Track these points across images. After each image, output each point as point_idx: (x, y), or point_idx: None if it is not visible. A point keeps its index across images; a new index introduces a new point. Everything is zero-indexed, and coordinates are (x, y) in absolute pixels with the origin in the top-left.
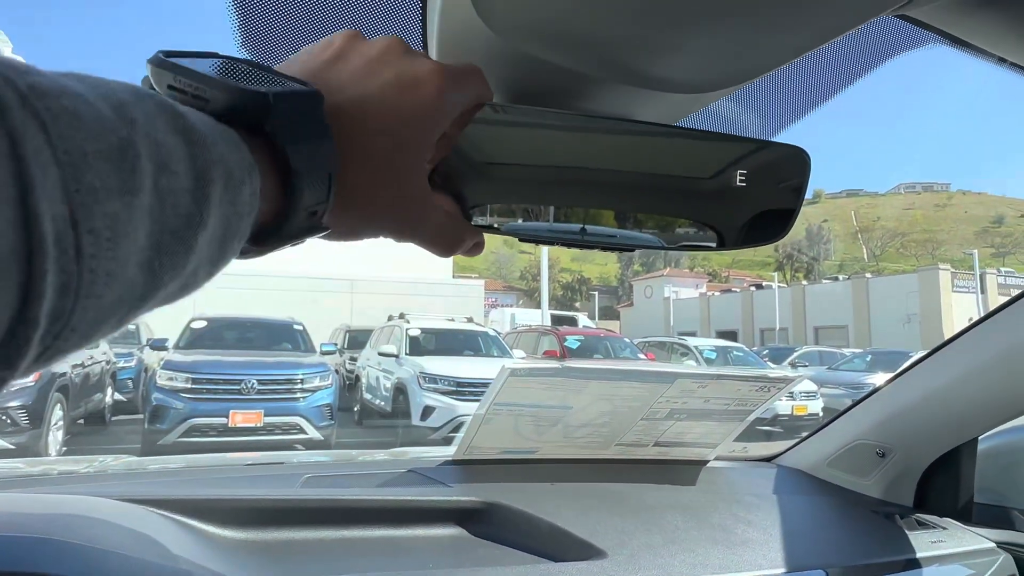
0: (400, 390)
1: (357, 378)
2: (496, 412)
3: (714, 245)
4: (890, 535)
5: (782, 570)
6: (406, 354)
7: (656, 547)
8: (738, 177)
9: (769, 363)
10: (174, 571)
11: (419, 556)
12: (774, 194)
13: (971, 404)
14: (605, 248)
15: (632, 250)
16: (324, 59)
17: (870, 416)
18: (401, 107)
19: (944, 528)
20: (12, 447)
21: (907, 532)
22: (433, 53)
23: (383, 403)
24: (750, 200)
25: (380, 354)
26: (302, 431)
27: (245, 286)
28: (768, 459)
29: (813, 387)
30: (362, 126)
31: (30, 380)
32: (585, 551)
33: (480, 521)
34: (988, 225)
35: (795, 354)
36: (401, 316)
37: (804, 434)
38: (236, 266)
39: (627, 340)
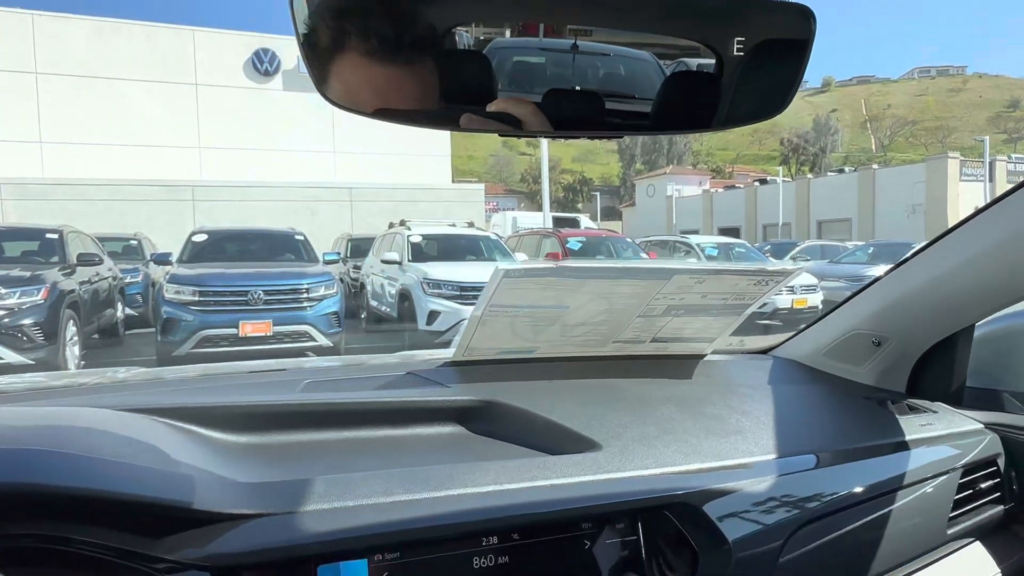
0: (405, 296)
1: (362, 286)
2: (493, 313)
3: (711, 122)
4: (881, 420)
5: (773, 456)
6: (409, 261)
7: (650, 438)
8: (735, 45)
9: (771, 258)
10: (175, 476)
11: (419, 453)
12: (776, 59)
13: (968, 292)
14: (606, 134)
15: (636, 133)
16: None
17: (868, 306)
18: None
19: (935, 412)
20: (32, 363)
21: (898, 416)
22: None
23: (388, 309)
24: (750, 67)
25: (383, 261)
26: (311, 339)
27: (240, 197)
28: (765, 351)
29: (813, 280)
30: None
31: (39, 298)
32: (580, 444)
33: (478, 419)
34: (1002, 110)
35: (797, 248)
36: (402, 223)
37: (801, 326)
38: (229, 176)
39: (629, 240)
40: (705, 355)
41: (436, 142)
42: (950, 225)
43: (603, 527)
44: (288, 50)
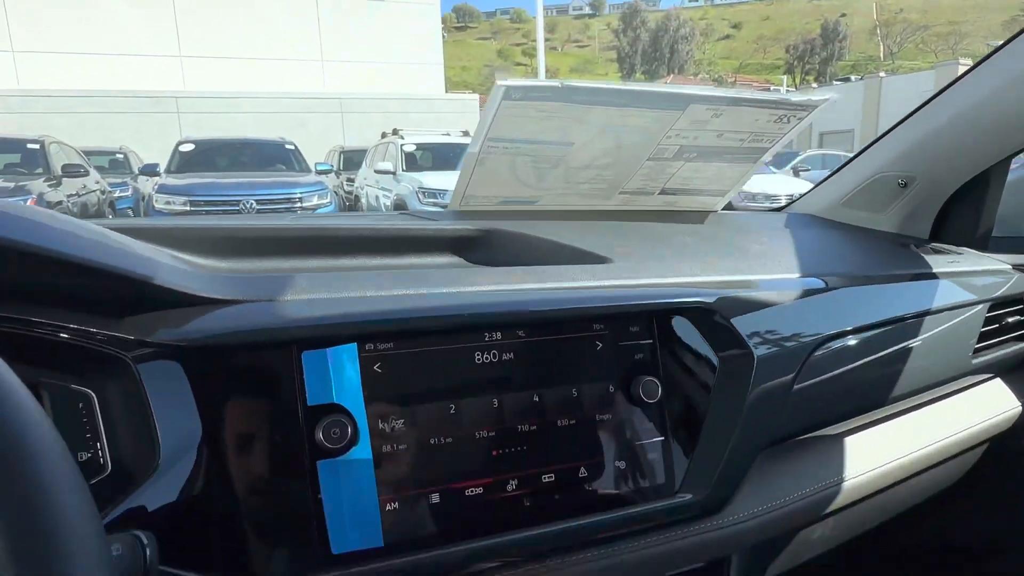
0: (400, 207)
1: (356, 199)
2: (491, 149)
3: None
4: (904, 256)
5: (797, 275)
6: (403, 170)
7: (664, 257)
8: None
9: (771, 168)
10: (144, 257)
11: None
12: None
13: (1004, 121)
14: None
15: None
16: None
17: (894, 147)
18: None
19: (959, 253)
20: None
21: (923, 255)
22: None
23: None
24: None
25: (377, 171)
26: None
27: (226, 109)
28: (776, 210)
29: (811, 186)
30: None
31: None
32: (588, 259)
33: (477, 248)
34: (1018, 13)
35: (797, 158)
36: (395, 132)
37: (818, 182)
38: (213, 87)
39: None
40: (716, 211)
41: (428, 50)
42: None
43: (616, 329)
44: None
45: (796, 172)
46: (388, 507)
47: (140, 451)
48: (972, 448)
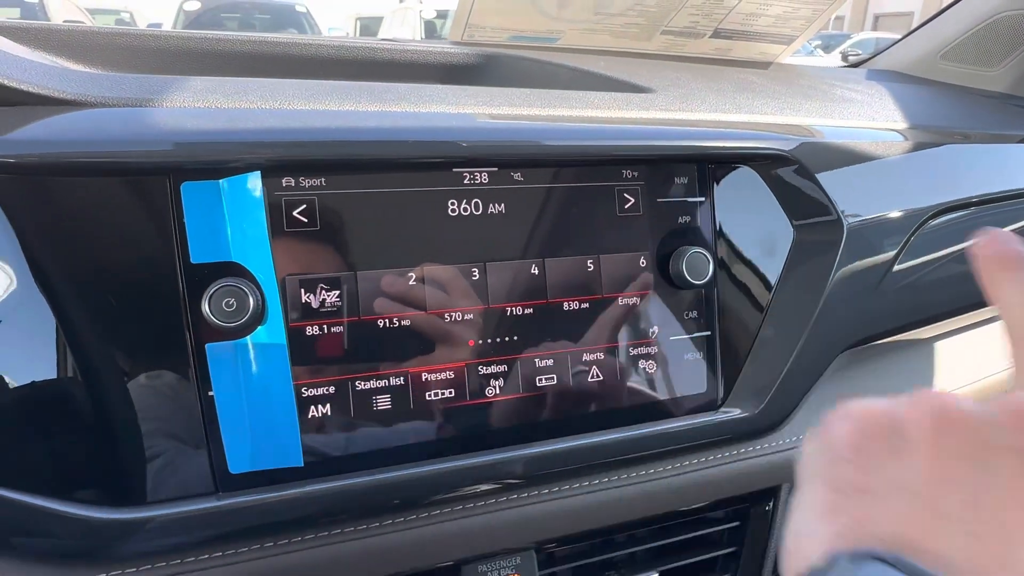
0: None
1: None
2: None
3: None
4: (1014, 118)
5: (903, 125)
6: (423, 40)
7: (724, 91)
8: None
9: (820, 51)
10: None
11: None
12: None
13: None
14: None
15: None
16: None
17: None
18: None
19: None
20: None
21: None
22: None
23: None
24: None
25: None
26: None
27: None
28: (852, 66)
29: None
30: None
31: None
32: (621, 89)
33: (476, 77)
34: None
35: (849, 42)
36: None
37: (905, 33)
38: None
39: None
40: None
41: None
42: None
43: (654, 179)
44: None
45: (846, 58)
46: (311, 413)
47: None
48: None
